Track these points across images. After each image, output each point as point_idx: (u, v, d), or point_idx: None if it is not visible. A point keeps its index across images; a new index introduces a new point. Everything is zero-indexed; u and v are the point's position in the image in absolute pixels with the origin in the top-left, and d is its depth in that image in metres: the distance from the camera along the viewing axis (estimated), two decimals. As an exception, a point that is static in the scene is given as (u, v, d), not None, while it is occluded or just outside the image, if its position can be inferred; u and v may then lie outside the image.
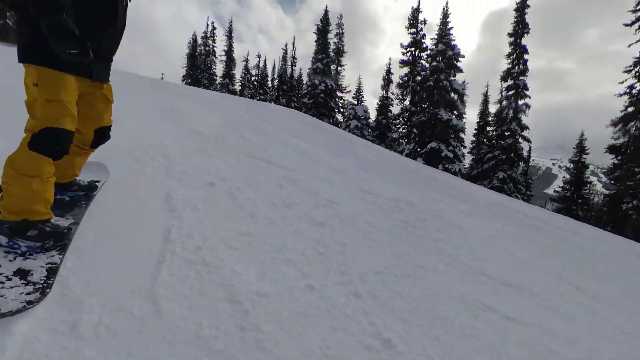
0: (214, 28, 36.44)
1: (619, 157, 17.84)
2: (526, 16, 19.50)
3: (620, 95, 17.77)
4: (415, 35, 24.61)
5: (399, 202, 3.62)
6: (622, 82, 17.65)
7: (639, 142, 15.99)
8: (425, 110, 18.17)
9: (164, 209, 2.07)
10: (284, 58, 35.53)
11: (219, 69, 36.31)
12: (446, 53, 17.88)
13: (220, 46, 47.40)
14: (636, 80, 17.31)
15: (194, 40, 36.58)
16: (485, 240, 3.33)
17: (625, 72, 17.66)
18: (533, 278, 2.74)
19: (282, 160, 3.93)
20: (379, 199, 3.52)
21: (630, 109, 17.52)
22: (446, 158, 16.30)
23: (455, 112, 18.15)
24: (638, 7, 17.34)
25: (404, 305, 1.76)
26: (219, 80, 36.36)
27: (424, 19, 24.41)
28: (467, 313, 1.87)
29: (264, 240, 2.03)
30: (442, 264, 2.42)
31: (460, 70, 18.60)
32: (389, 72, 28.84)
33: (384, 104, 27.50)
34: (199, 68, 35.64)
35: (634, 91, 17.44)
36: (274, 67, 37.82)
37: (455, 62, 18.20)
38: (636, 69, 17.37)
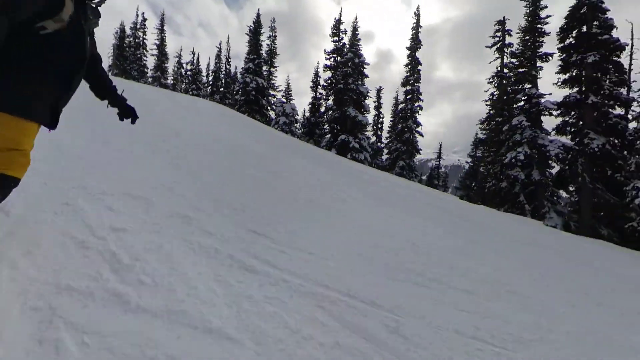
0: (144, 19, 35.94)
1: (486, 148, 22.91)
2: (419, 34, 23.91)
3: (486, 101, 22.86)
4: (337, 43, 27.95)
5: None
6: (486, 91, 22.76)
7: (494, 137, 20.91)
8: (337, 108, 21.38)
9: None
10: (218, 56, 36.54)
11: (151, 61, 35.94)
12: (354, 60, 21.25)
13: (152, 38, 46.24)
14: (495, 89, 22.44)
15: (122, 30, 35.67)
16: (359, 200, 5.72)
17: (488, 82, 22.78)
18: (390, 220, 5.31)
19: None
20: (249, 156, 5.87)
21: (491, 112, 22.65)
22: (354, 148, 19.57)
23: (364, 110, 21.67)
24: (495, 34, 22.50)
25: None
26: (150, 73, 36.01)
27: (345, 29, 27.85)
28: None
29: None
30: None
31: (366, 76, 22.18)
32: (317, 75, 31.94)
33: (313, 104, 30.47)
34: (127, 59, 34.90)
35: (494, 97, 22.56)
36: (208, 64, 38.51)
37: (362, 68, 21.68)
38: (495, 81, 22.50)
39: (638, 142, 13.41)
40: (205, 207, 2.90)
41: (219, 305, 1.66)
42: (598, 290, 4.14)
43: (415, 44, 23.98)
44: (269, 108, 32.70)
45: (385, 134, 31.30)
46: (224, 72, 36.63)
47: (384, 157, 28.00)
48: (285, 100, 30.35)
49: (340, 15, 28.53)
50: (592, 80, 16.30)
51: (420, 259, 3.29)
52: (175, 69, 36.32)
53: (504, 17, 22.22)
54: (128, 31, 35.89)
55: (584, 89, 16.50)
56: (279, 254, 2.43)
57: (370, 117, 27.17)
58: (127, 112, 2.05)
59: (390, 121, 29.17)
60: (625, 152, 14.96)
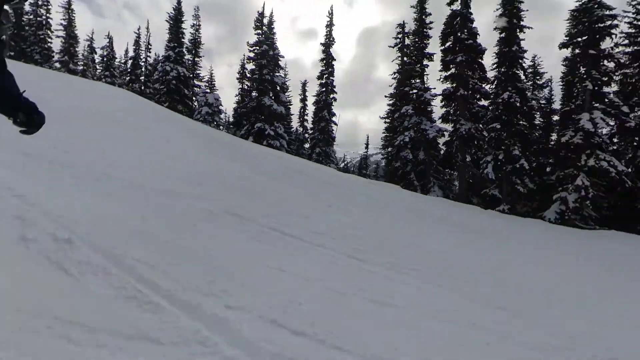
0: (47, -5, 32.60)
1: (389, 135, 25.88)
2: (333, 31, 26.11)
3: (387, 96, 25.78)
4: (259, 36, 28.88)
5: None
6: (390, 86, 25.68)
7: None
8: (255, 98, 22.50)
9: None
10: (137, 42, 34.86)
11: (57, 43, 32.83)
12: (269, 52, 22.50)
13: (58, 17, 41.82)
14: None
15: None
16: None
17: (392, 79, 25.71)
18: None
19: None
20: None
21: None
22: (269, 136, 20.85)
23: (282, 101, 23.08)
24: (397, 36, 25.49)
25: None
26: (56, 57, 32.92)
27: (270, 21, 28.86)
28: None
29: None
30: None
31: (282, 67, 23.65)
32: (243, 67, 32.45)
33: (240, 95, 30.97)
34: (27, 40, 31.45)
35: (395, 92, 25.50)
36: (126, 51, 36.42)
37: (277, 60, 23.05)
38: (396, 77, 25.48)
39: (491, 125, 16.84)
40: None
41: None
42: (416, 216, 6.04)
43: (329, 40, 26.12)
44: (194, 98, 32.40)
45: (310, 125, 33.24)
46: (143, 60, 35.09)
47: (307, 145, 29.77)
48: (208, 90, 30.36)
49: (263, 9, 29.50)
50: (461, 77, 19.83)
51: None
52: (86, 53, 33.73)
53: (403, 21, 25.28)
54: (27, 7, 32.25)
55: (455, 84, 19.99)
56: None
57: (295, 108, 28.60)
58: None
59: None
60: (484, 134, 18.53)
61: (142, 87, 34.54)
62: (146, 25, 36.03)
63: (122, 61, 36.16)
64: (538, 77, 23.35)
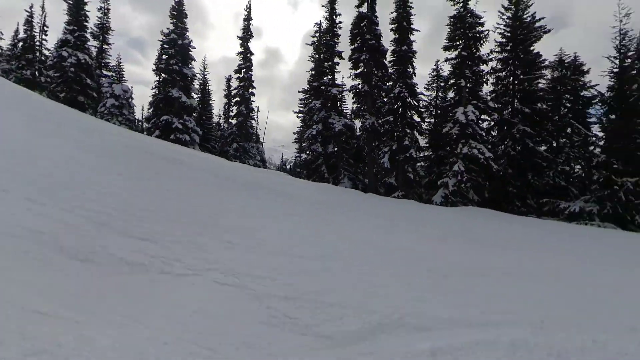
0: None
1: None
2: (250, 25, 25.85)
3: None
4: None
5: None
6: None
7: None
8: (161, 90, 21.26)
9: None
10: (29, 22, 30.64)
11: None
12: (178, 42, 21.43)
13: None
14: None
15: None
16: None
17: (311, 75, 26.28)
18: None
19: None
20: None
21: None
22: (177, 129, 19.82)
23: (193, 93, 22.14)
24: (315, 34, 26.13)
25: None
26: None
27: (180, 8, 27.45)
28: None
29: None
30: None
31: (193, 59, 22.65)
32: (160, 57, 30.43)
33: (157, 88, 28.93)
34: None
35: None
36: (16, 31, 31.78)
37: (188, 51, 22.03)
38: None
39: (386, 117, 18.18)
40: None
41: None
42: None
43: (247, 34, 25.80)
44: (101, 89, 29.41)
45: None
46: (38, 43, 30.91)
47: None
48: (115, 81, 27.85)
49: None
50: (367, 75, 21.10)
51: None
52: (-42, 33, 28.70)
53: (320, 21, 26.08)
54: None
55: (362, 81, 21.21)
56: None
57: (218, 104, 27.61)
58: None
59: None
60: (386, 127, 19.89)
61: (37, 74, 30.41)
62: (41, 4, 31.64)
63: (11, 43, 31.54)
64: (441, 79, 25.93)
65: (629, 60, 15.60)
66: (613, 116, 15.82)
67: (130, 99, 26.65)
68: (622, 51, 15.66)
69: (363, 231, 6.18)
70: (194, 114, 22.89)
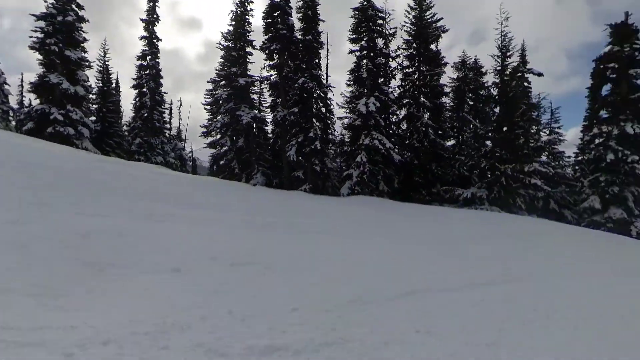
0: None
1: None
2: (157, 8, 23.55)
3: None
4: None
5: None
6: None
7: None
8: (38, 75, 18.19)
9: None
10: None
11: None
12: (57, 18, 18.40)
13: None
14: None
15: None
16: None
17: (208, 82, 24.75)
18: None
19: None
20: None
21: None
22: (56, 121, 17.01)
23: (82, 80, 19.25)
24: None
25: None
26: None
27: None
28: None
29: None
30: None
31: (81, 41, 19.76)
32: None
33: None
34: None
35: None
36: None
37: (73, 30, 19.13)
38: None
39: (292, 109, 17.64)
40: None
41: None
42: None
43: (152, 17, 23.42)
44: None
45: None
46: None
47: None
48: (-15, 65, 23.33)
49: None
50: (280, 66, 20.41)
51: None
52: None
53: (235, 8, 24.71)
54: None
55: (276, 73, 20.48)
56: None
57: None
58: None
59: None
60: (291, 118, 19.35)
61: None
62: None
63: None
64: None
65: (509, 59, 17.09)
66: (497, 109, 17.19)
67: (3, 85, 22.52)
68: (503, 51, 17.08)
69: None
70: (91, 105, 20.01)
